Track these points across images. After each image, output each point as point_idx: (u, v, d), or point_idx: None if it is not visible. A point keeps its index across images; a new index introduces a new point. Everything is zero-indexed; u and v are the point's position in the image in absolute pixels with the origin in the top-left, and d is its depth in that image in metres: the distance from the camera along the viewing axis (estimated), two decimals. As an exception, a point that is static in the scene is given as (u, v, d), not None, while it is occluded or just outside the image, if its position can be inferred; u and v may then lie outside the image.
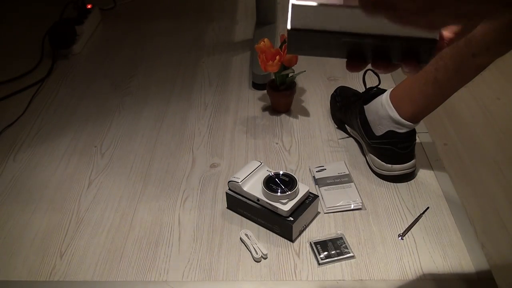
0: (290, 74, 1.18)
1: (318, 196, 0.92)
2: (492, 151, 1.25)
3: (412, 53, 0.45)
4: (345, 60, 0.49)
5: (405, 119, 0.95)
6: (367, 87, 1.07)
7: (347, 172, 1.02)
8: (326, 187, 0.98)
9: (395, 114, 0.95)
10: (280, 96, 1.22)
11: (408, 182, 1.00)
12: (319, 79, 1.37)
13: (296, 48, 0.49)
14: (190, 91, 1.35)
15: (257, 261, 0.85)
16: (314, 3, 0.44)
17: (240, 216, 0.94)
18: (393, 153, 0.98)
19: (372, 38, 0.44)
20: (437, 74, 0.88)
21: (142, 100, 1.32)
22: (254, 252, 0.85)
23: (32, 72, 1.47)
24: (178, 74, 1.43)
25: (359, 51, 0.47)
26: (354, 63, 0.48)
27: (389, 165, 0.98)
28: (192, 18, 1.78)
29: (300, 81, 1.34)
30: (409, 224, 0.90)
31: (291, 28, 0.45)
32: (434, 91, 0.91)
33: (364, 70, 1.12)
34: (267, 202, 0.87)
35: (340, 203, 0.95)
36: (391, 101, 0.97)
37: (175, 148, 1.13)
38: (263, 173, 0.92)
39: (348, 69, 0.49)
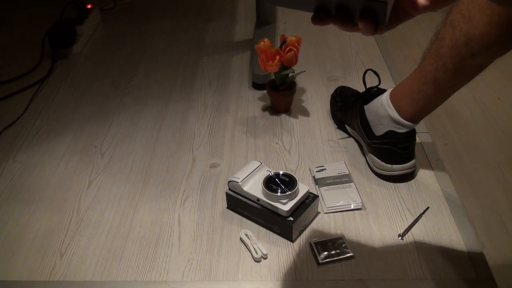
0: (290, 74, 1.18)
1: (318, 196, 0.92)
2: (492, 151, 1.25)
3: (368, 13, 0.52)
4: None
5: (405, 119, 0.95)
6: (367, 87, 1.08)
7: (347, 172, 1.02)
8: (326, 187, 0.98)
9: (395, 114, 0.95)
10: (280, 96, 1.22)
11: (408, 182, 1.00)
12: (319, 79, 1.37)
13: None
14: (190, 91, 1.35)
15: (257, 261, 0.85)
16: None
17: (240, 216, 0.94)
18: (393, 153, 0.98)
19: None
20: (437, 73, 0.88)
21: (142, 100, 1.32)
22: (254, 252, 0.85)
23: (32, 72, 1.47)
24: (178, 74, 1.43)
25: (325, 5, 0.54)
26: (319, 17, 0.54)
27: (389, 165, 0.98)
28: (192, 18, 1.78)
29: (300, 81, 1.34)
30: (409, 224, 0.90)
31: None
32: (434, 90, 0.91)
33: (365, 70, 1.12)
34: (267, 202, 0.87)
35: (340, 203, 0.95)
36: (391, 101, 0.97)
37: (175, 148, 1.13)
38: (263, 173, 0.92)
39: (313, 22, 0.55)
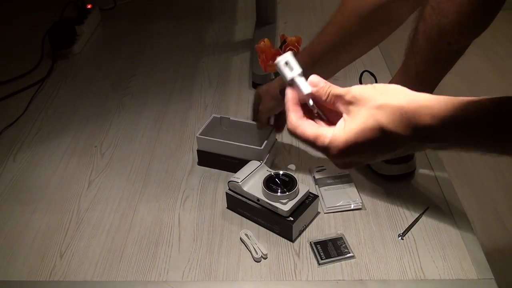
0: (290, 74, 1.18)
1: (318, 196, 0.92)
2: (492, 151, 1.25)
3: None
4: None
5: None
6: (366, 87, 1.07)
7: (347, 172, 1.02)
8: (326, 187, 0.98)
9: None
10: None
11: (408, 182, 1.00)
12: (319, 79, 1.36)
13: None
14: (190, 91, 1.35)
15: (257, 261, 0.85)
16: None
17: (240, 216, 0.94)
18: (393, 153, 0.97)
19: None
20: (417, 68, 0.88)
21: (142, 100, 1.32)
22: (254, 252, 0.85)
23: (32, 72, 1.47)
24: (178, 74, 1.43)
25: None
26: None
27: (389, 165, 0.98)
28: (192, 18, 1.78)
29: (300, 81, 1.34)
30: (409, 224, 0.90)
31: None
32: (419, 86, 0.90)
33: (362, 70, 1.12)
34: (267, 202, 0.87)
35: (340, 203, 0.95)
36: None
37: (175, 148, 1.13)
38: (263, 173, 0.92)
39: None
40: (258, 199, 0.89)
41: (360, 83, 1.09)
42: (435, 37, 0.81)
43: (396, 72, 0.95)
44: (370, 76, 1.10)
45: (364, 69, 1.14)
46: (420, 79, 0.89)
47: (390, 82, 0.96)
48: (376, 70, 1.11)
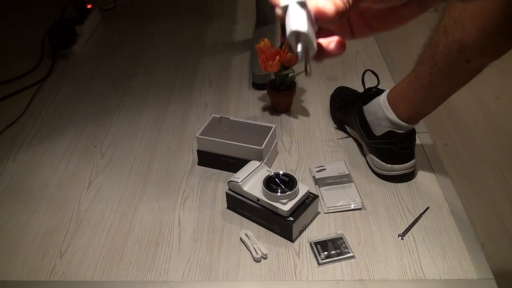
0: (290, 74, 1.18)
1: (318, 196, 0.92)
2: (492, 151, 1.25)
3: None
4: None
5: (402, 121, 0.94)
6: (366, 88, 1.07)
7: (347, 172, 1.02)
8: (326, 187, 0.98)
9: (392, 116, 0.95)
10: (280, 96, 1.22)
11: (408, 182, 1.00)
12: (319, 79, 1.37)
13: None
14: (190, 91, 1.35)
15: (257, 261, 0.85)
16: None
17: (240, 216, 0.94)
18: (393, 153, 0.98)
19: None
20: (432, 78, 0.88)
21: (142, 100, 1.32)
22: (254, 252, 0.85)
23: (32, 72, 1.47)
24: (178, 74, 1.43)
25: None
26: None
27: (389, 165, 0.98)
28: (192, 18, 1.78)
29: (300, 81, 1.34)
30: (409, 224, 0.90)
31: None
32: (430, 94, 0.91)
33: (362, 70, 1.12)
34: (267, 202, 0.87)
35: (340, 203, 0.95)
36: (388, 103, 0.96)
37: (175, 148, 1.13)
38: (263, 173, 0.92)
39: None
40: (258, 199, 0.89)
41: (363, 82, 1.09)
42: (455, 52, 0.82)
43: (406, 75, 0.95)
44: (373, 75, 1.10)
45: (365, 69, 1.14)
46: (434, 88, 0.89)
47: (399, 85, 0.97)
48: (376, 69, 1.11)
